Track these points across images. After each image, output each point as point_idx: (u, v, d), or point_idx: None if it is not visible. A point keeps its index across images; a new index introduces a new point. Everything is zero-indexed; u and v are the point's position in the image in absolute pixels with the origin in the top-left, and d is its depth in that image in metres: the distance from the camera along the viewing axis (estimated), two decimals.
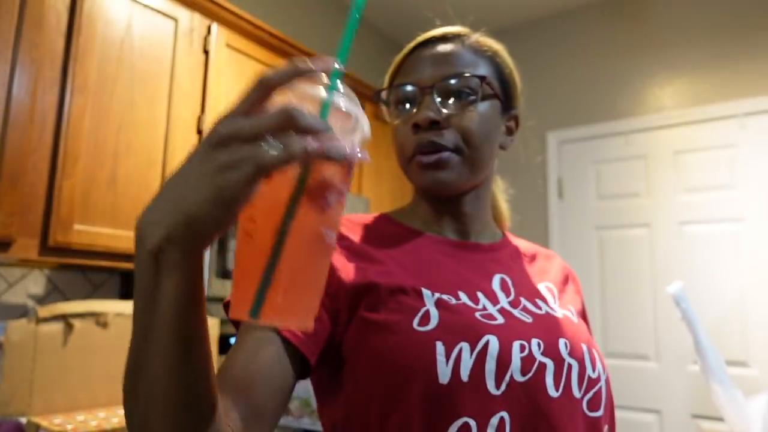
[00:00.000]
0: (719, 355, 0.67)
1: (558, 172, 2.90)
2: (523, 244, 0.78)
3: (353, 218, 0.69)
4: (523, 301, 0.64)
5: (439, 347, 0.53)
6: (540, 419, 0.54)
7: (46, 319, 1.35)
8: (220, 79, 1.87)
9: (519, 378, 0.54)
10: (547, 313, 0.63)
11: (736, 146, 2.47)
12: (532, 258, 0.75)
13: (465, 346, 0.53)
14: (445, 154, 0.63)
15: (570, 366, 0.58)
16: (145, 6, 1.67)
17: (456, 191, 0.67)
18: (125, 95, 1.61)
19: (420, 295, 0.58)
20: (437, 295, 0.59)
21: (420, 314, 0.56)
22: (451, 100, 0.64)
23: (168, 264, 0.36)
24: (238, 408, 0.47)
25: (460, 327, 0.55)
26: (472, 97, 0.64)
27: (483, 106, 0.65)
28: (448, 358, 0.52)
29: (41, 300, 1.70)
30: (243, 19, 1.96)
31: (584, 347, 0.61)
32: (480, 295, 0.61)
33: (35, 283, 1.70)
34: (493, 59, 0.69)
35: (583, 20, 2.94)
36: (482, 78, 0.65)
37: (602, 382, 0.61)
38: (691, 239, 2.51)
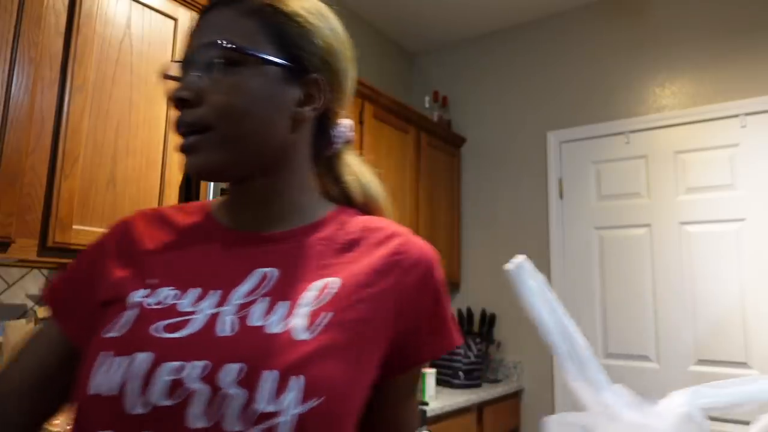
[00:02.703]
0: (577, 338, 0.58)
1: (558, 172, 2.90)
2: (353, 227, 0.65)
3: (185, 206, 0.69)
4: (251, 309, 0.56)
5: (100, 359, 0.53)
6: None
7: (44, 320, 1.34)
8: None
9: (161, 401, 0.50)
10: (259, 327, 0.54)
11: (736, 146, 2.46)
12: (350, 245, 0.63)
13: (120, 360, 0.52)
14: (192, 138, 0.58)
15: (231, 396, 0.50)
16: (145, 5, 1.67)
17: (220, 175, 0.61)
18: (124, 95, 1.61)
19: (133, 302, 0.58)
20: (147, 300, 0.57)
21: (112, 322, 0.56)
22: (207, 74, 0.58)
23: None
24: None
25: (127, 341, 0.54)
26: (227, 68, 0.58)
27: (247, 76, 0.58)
28: (101, 371, 0.53)
29: (40, 300, 1.69)
30: None
31: (269, 376, 0.51)
32: (211, 294, 0.57)
33: (34, 283, 1.70)
34: (271, 18, 0.60)
35: (584, 20, 2.94)
36: (234, 46, 0.58)
37: (284, 418, 0.50)
38: (692, 239, 2.51)
